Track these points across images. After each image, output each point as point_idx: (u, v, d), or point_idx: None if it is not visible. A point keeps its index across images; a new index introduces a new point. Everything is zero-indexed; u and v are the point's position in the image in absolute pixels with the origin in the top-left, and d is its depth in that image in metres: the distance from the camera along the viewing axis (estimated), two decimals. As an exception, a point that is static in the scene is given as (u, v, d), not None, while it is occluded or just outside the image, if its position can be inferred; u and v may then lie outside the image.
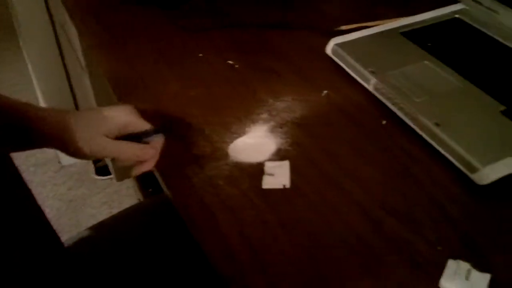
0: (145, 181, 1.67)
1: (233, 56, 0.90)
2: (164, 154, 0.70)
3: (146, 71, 0.87)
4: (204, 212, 0.63)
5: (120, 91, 0.84)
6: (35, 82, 1.97)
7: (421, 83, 0.76)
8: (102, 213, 1.81)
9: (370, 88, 0.78)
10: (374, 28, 0.90)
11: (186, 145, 0.72)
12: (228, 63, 0.88)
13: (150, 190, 1.63)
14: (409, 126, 0.71)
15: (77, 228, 1.74)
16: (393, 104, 0.74)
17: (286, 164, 0.68)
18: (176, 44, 0.94)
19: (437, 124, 0.68)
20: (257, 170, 0.68)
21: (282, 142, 0.71)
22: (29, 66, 1.94)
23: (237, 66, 0.87)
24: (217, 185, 0.66)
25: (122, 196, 1.88)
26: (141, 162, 0.68)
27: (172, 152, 0.71)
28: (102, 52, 0.93)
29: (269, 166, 0.68)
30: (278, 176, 0.66)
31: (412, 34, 0.87)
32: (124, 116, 0.68)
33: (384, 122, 0.74)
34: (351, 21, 0.95)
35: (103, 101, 1.37)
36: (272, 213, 0.62)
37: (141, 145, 0.67)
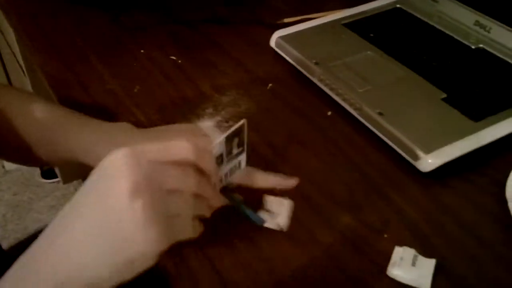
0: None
1: (176, 52, 0.88)
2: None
3: (84, 71, 0.85)
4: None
5: (59, 92, 0.81)
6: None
7: (364, 74, 0.76)
8: (51, 217, 1.76)
9: (314, 79, 0.78)
10: (317, 20, 0.90)
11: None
12: (171, 58, 0.86)
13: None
14: (354, 116, 0.72)
15: (25, 234, 1.69)
16: (337, 94, 0.74)
17: (288, 204, 0.59)
18: (116, 42, 0.92)
19: (380, 114, 0.69)
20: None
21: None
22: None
23: (180, 61, 0.86)
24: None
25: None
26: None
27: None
28: (41, 55, 0.90)
29: (268, 201, 0.59)
30: (276, 216, 0.58)
31: (355, 25, 0.87)
32: None
33: (329, 113, 0.74)
34: (296, 14, 0.95)
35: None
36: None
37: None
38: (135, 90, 0.79)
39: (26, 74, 1.27)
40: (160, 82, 0.81)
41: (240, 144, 0.52)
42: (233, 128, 0.49)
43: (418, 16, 0.89)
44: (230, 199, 0.54)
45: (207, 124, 0.73)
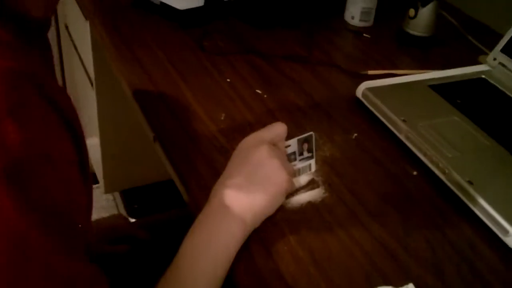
0: (130, 197, 1.63)
1: (259, 85, 0.89)
2: (191, 172, 0.68)
3: (168, 88, 0.86)
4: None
5: (142, 103, 0.82)
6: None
7: (451, 139, 0.76)
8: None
9: (401, 136, 0.78)
10: (403, 77, 0.91)
11: (214, 172, 0.71)
12: (257, 92, 0.87)
13: (136, 206, 1.59)
14: (440, 180, 0.71)
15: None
16: (424, 155, 0.74)
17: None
18: (199, 65, 0.93)
19: (470, 182, 0.68)
20: (290, 204, 0.67)
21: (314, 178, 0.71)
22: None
23: (265, 96, 0.87)
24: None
25: (100, 208, 1.83)
26: None
27: (200, 171, 0.70)
28: (122, 65, 0.91)
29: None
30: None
31: (441, 89, 0.88)
32: None
33: (414, 173, 0.74)
34: (375, 66, 0.96)
35: (106, 115, 1.34)
36: (304, 249, 0.61)
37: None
38: (222, 118, 0.80)
39: (94, 86, 1.29)
40: (244, 114, 0.82)
41: (309, 150, 0.68)
42: (304, 135, 0.67)
43: (502, 88, 0.90)
44: None
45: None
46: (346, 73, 0.94)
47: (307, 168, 0.70)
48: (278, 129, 0.66)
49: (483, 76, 0.93)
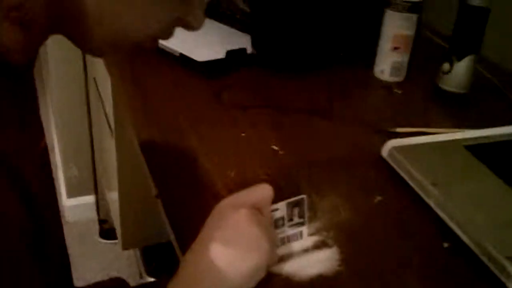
0: (149, 254, 1.56)
1: (276, 140, 0.82)
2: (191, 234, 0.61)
3: (178, 140, 0.80)
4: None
5: (150, 159, 0.77)
6: (53, 130, 1.92)
7: (489, 207, 0.67)
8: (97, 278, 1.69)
9: (430, 202, 0.69)
10: (435, 136, 0.82)
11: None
12: (273, 148, 0.80)
13: (154, 264, 1.52)
14: (477, 257, 0.62)
15: None
16: (457, 225, 0.65)
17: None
18: (215, 117, 0.88)
19: (510, 259, 0.59)
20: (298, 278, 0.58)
21: (329, 248, 0.62)
22: (51, 112, 1.89)
23: (281, 152, 0.80)
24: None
25: (122, 265, 1.76)
26: None
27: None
28: (135, 115, 0.87)
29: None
30: None
31: (477, 150, 0.79)
32: None
33: (445, 245, 0.64)
34: (405, 123, 0.88)
35: (125, 168, 1.30)
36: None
37: None
38: (232, 175, 0.73)
39: (114, 136, 1.26)
40: (256, 171, 0.75)
41: (301, 216, 0.60)
42: (294, 198, 0.58)
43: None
44: None
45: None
46: (372, 130, 0.87)
47: (298, 236, 0.61)
48: (262, 191, 0.57)
49: (526, 137, 0.83)
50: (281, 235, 0.60)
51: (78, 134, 1.75)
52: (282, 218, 0.59)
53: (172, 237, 0.66)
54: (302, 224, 0.60)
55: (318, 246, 0.62)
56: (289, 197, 0.58)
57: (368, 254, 0.63)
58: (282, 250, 0.60)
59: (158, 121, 0.86)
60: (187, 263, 0.54)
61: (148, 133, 0.83)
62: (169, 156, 0.78)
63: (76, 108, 1.71)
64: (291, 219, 0.59)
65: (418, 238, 0.66)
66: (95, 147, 1.76)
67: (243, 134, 0.83)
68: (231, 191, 0.70)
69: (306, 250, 0.62)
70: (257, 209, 0.56)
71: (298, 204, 0.59)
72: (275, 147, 0.80)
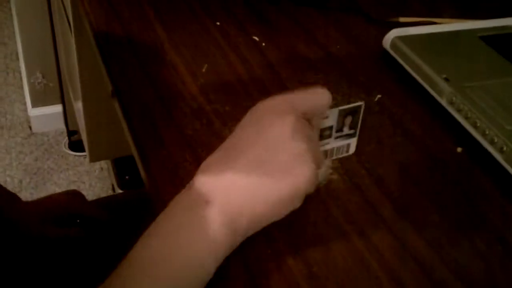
0: (122, 166, 1.46)
1: (258, 32, 0.69)
2: (155, 142, 0.50)
3: (141, 32, 0.67)
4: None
5: (108, 52, 0.64)
6: (18, 36, 1.75)
7: (511, 105, 0.56)
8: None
9: (442, 100, 0.58)
10: (444, 25, 0.70)
11: (185, 142, 0.52)
12: (253, 39, 0.67)
13: (127, 178, 1.42)
14: (495, 161, 0.51)
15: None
16: (474, 127, 0.54)
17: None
18: (186, 5, 0.73)
19: (539, 166, 0.48)
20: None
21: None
22: (15, 19, 1.72)
23: (263, 44, 0.67)
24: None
25: (94, 177, 1.67)
26: None
27: (166, 140, 0.51)
28: (92, 4, 0.72)
29: None
30: None
31: (495, 41, 0.67)
32: None
33: (459, 149, 0.54)
34: (410, 13, 0.76)
35: (87, 68, 1.16)
36: (299, 260, 0.42)
37: None
38: (203, 70, 0.61)
39: (72, 32, 1.10)
40: (235, 66, 0.63)
41: (352, 126, 0.48)
42: (350, 105, 0.46)
43: None
44: None
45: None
46: (372, 20, 0.74)
47: (344, 150, 0.49)
48: (320, 98, 0.44)
49: (550, 27, 0.71)
50: (325, 147, 0.48)
51: (42, 38, 1.60)
52: (331, 128, 0.46)
53: (131, 145, 0.54)
54: (352, 135, 0.48)
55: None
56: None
57: (368, 155, 0.52)
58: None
59: (118, 9, 0.72)
60: (200, 178, 0.41)
61: (106, 24, 0.69)
62: (129, 49, 0.65)
63: (38, 10, 1.54)
64: (341, 129, 0.47)
65: (425, 140, 0.55)
66: (60, 53, 1.60)
67: (218, 23, 0.70)
68: (204, 89, 0.59)
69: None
70: (307, 119, 0.43)
71: (352, 112, 0.46)
72: (256, 38, 0.67)
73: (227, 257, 0.39)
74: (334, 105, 0.44)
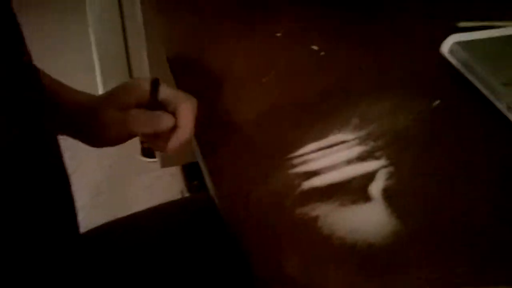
0: (190, 171, 1.51)
1: (319, 40, 0.71)
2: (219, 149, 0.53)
3: (208, 44, 0.71)
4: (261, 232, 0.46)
5: (177, 66, 0.68)
6: (93, 45, 1.86)
7: None
8: (145, 197, 1.67)
9: (500, 106, 0.58)
10: (505, 29, 0.69)
11: (248, 143, 0.55)
12: (312, 48, 0.70)
13: (196, 182, 1.47)
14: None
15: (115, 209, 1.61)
16: (534, 132, 0.54)
17: None
18: (250, 16, 0.77)
19: None
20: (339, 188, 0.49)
21: (376, 160, 0.53)
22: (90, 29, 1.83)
23: (323, 53, 0.69)
24: (284, 206, 0.48)
25: (165, 182, 1.73)
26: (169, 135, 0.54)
27: (230, 149, 0.54)
28: (162, 17, 0.77)
29: None
30: None
31: (558, 43, 0.66)
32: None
33: (519, 154, 0.54)
34: (470, 17, 0.75)
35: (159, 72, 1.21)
36: (353, 260, 0.44)
37: (154, 112, 0.54)
38: (266, 78, 0.64)
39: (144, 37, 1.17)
40: (296, 75, 0.65)
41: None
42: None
43: None
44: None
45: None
46: (432, 25, 0.74)
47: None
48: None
49: None
50: None
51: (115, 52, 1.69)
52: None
53: (198, 154, 0.58)
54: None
55: (363, 158, 0.53)
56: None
57: (431, 161, 0.53)
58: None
59: (187, 24, 0.76)
60: None
61: (175, 45, 0.73)
62: (195, 67, 0.69)
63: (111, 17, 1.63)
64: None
65: (484, 147, 0.55)
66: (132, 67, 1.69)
67: (278, 34, 0.72)
68: (266, 94, 0.62)
69: (350, 161, 0.53)
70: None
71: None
72: (315, 47, 0.70)
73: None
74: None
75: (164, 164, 1.41)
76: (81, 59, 2.10)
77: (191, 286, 0.64)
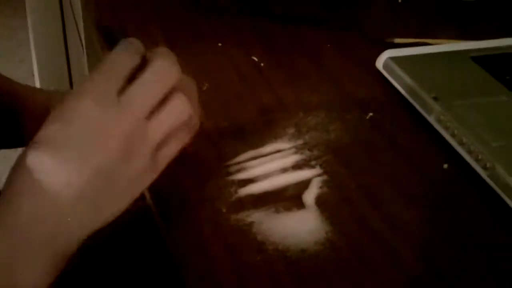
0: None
1: (259, 52, 0.72)
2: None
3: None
4: (196, 238, 0.46)
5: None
6: (33, 56, 1.81)
7: (498, 123, 0.58)
8: None
9: (430, 118, 0.60)
10: (437, 46, 0.73)
11: (184, 150, 0.55)
12: (253, 59, 0.71)
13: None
14: (480, 177, 0.54)
15: None
16: (460, 144, 0.56)
17: None
18: (190, 26, 0.77)
19: (520, 181, 0.51)
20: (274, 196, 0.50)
21: (311, 168, 0.54)
22: (31, 38, 1.78)
23: (262, 64, 0.70)
24: (219, 212, 0.48)
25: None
26: None
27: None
28: (102, 22, 0.76)
29: None
30: None
31: (486, 61, 0.69)
32: None
33: (445, 166, 0.56)
34: (407, 35, 0.78)
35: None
36: (286, 266, 0.44)
37: None
38: (204, 88, 0.64)
39: (84, 51, 1.15)
40: (234, 85, 0.66)
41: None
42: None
43: None
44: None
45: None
46: (369, 40, 0.76)
47: None
48: None
49: (541, 49, 0.74)
50: None
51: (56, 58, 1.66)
52: None
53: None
54: None
55: (298, 166, 0.54)
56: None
57: (359, 169, 0.54)
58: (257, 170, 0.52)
59: (124, 21, 0.75)
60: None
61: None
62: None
63: (53, 29, 1.60)
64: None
65: (413, 156, 0.57)
66: (73, 72, 1.65)
67: (219, 44, 0.73)
68: (204, 108, 0.62)
69: (285, 170, 0.53)
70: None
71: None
72: (255, 58, 0.71)
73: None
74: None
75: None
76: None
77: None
